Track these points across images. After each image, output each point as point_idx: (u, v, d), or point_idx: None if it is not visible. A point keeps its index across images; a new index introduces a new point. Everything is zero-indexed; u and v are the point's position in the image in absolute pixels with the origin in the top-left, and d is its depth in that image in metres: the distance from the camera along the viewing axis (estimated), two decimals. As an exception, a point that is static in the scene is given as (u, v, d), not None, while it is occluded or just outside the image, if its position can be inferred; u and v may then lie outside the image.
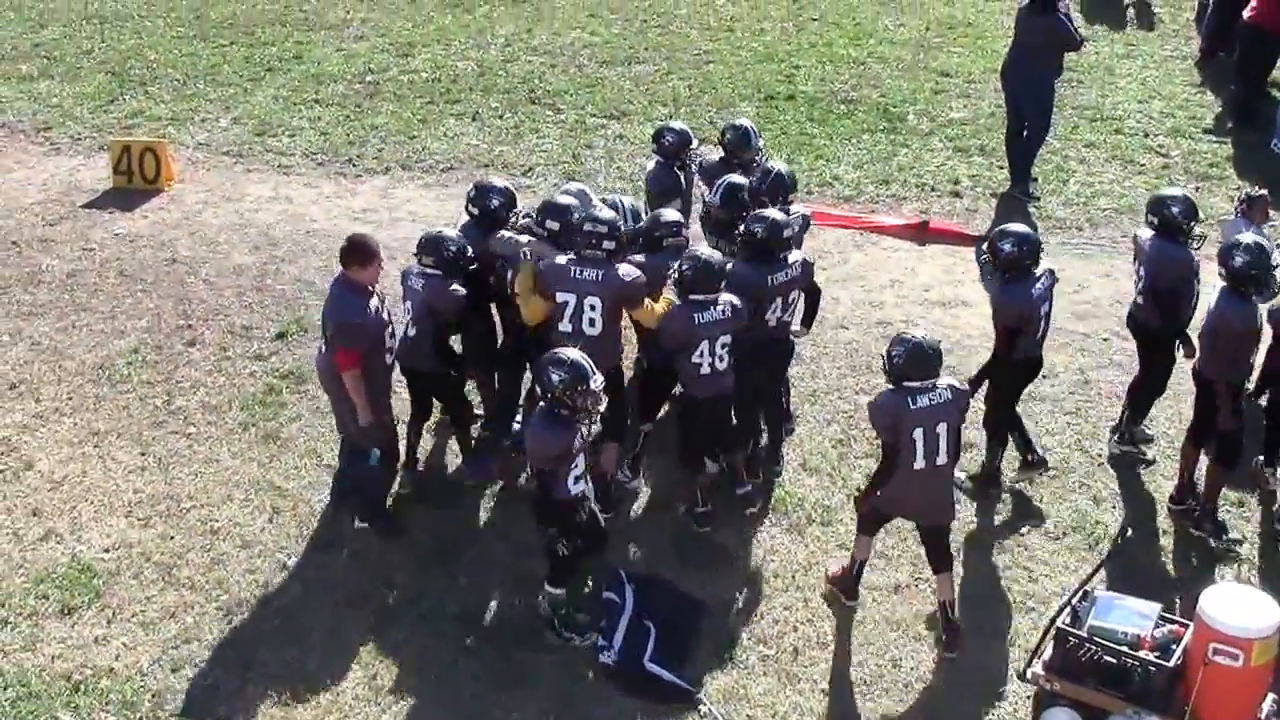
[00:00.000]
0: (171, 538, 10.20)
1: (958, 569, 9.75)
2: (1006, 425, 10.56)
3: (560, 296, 9.78)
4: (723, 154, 11.71)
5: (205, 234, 14.48)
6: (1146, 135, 16.34)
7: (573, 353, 8.74)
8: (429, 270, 10.03)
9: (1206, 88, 17.59)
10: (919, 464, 8.83)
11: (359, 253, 9.69)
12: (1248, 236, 9.88)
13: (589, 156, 15.99)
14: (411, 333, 10.16)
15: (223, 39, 19.90)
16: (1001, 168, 15.39)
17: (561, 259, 9.86)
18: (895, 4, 21.02)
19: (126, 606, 9.58)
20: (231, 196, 15.33)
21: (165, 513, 10.45)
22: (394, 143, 16.50)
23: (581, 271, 9.74)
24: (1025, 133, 14.87)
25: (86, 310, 13.07)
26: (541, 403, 8.73)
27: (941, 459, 8.87)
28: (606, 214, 10.07)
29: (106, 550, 10.08)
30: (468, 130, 16.83)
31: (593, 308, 9.72)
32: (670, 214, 10.50)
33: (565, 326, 9.76)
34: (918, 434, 8.76)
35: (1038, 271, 10.07)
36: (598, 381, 8.63)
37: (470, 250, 10.12)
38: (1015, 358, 10.15)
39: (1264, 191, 11.67)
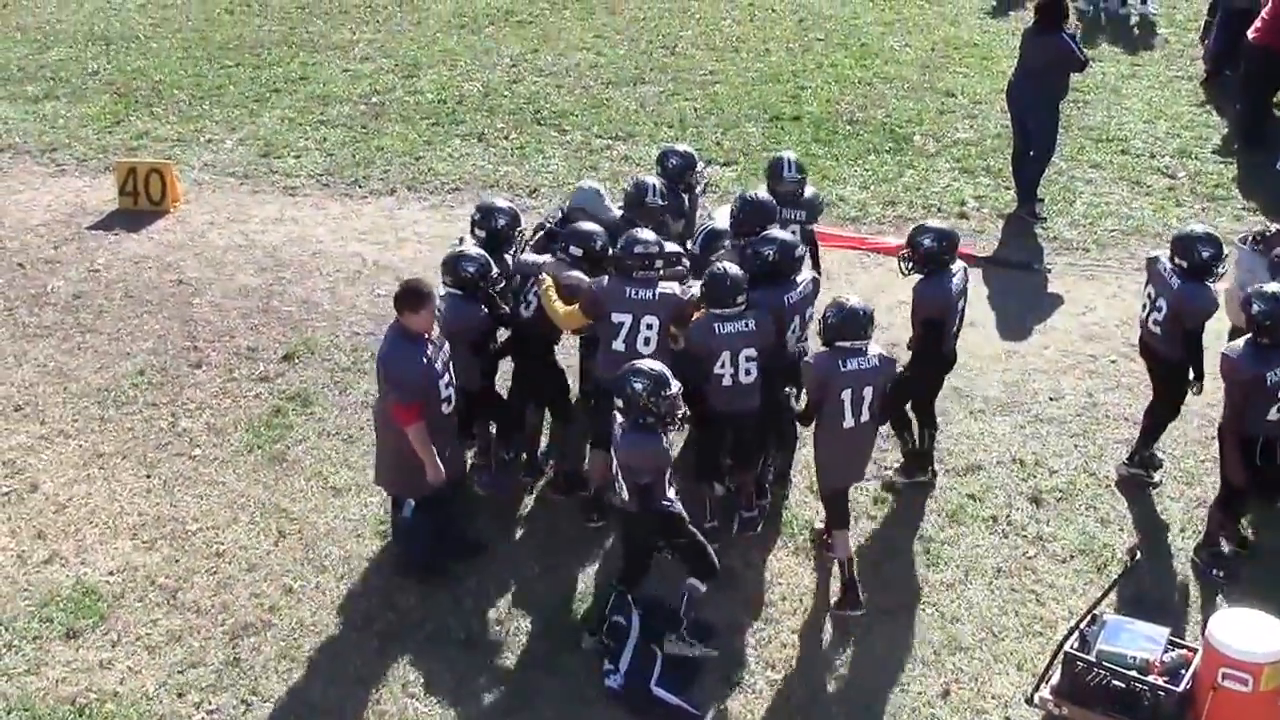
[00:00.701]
0: (176, 561, 10.18)
1: (965, 592, 9.75)
2: (930, 415, 10.82)
3: (616, 317, 9.78)
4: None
5: (211, 255, 14.49)
6: (1153, 156, 16.33)
7: (649, 362, 8.90)
8: (449, 290, 10.04)
9: (1212, 108, 17.60)
10: (848, 422, 9.36)
11: (410, 297, 9.30)
12: (1273, 285, 9.72)
13: (594, 178, 15.93)
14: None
15: (228, 60, 19.93)
16: (1008, 188, 15.39)
17: (609, 280, 9.88)
18: (901, 25, 21.04)
19: (131, 630, 9.56)
20: (237, 218, 15.34)
21: (170, 535, 10.43)
22: (400, 163, 16.51)
23: (636, 292, 9.75)
24: (1031, 153, 14.87)
25: (92, 332, 13.07)
26: (623, 419, 8.80)
27: (865, 417, 9.41)
28: (649, 234, 10.05)
29: (111, 573, 10.06)
30: (473, 151, 16.84)
31: (649, 326, 9.74)
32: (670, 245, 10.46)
33: (618, 346, 9.77)
34: (845, 395, 9.29)
35: (954, 268, 10.30)
36: (676, 386, 8.76)
37: (493, 267, 10.12)
38: (942, 351, 10.45)
39: (1279, 226, 11.54)
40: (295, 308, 13.43)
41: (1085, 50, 14.76)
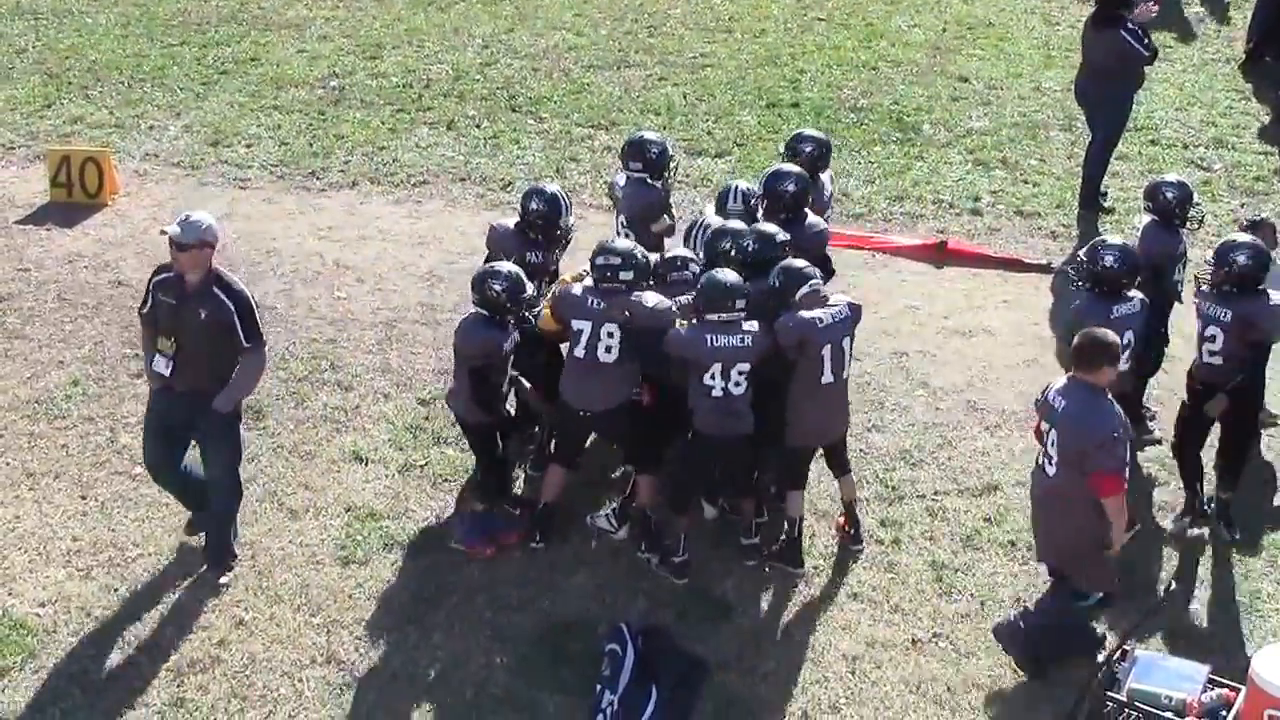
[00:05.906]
0: (115, 590, 10.10)
1: (981, 625, 9.72)
2: None
3: (576, 324, 10.07)
4: None
5: (153, 254, 14.36)
6: (1185, 146, 16.39)
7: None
8: (476, 309, 10.16)
9: (1250, 94, 17.65)
10: (827, 378, 9.82)
11: (1103, 351, 8.80)
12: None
13: (574, 170, 15.98)
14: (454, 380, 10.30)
15: (172, 38, 19.88)
16: (1025, 182, 15.47)
17: (578, 288, 10.17)
18: (909, 2, 21.08)
19: (64, 667, 9.46)
20: (182, 212, 15.24)
21: (108, 562, 10.36)
22: (361, 154, 16.49)
23: (598, 302, 10.01)
24: (1094, 147, 14.94)
25: (20, 338, 13.00)
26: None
27: (844, 372, 10.00)
28: (622, 244, 10.29)
29: (42, 604, 9.98)
30: (442, 140, 16.82)
31: (610, 335, 9.95)
32: (679, 249, 10.76)
33: (579, 353, 10.08)
34: (825, 350, 9.75)
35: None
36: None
37: (526, 287, 10.18)
38: None
39: (1265, 215, 11.73)
40: (246, 312, 13.37)
41: (1151, 37, 14.60)
